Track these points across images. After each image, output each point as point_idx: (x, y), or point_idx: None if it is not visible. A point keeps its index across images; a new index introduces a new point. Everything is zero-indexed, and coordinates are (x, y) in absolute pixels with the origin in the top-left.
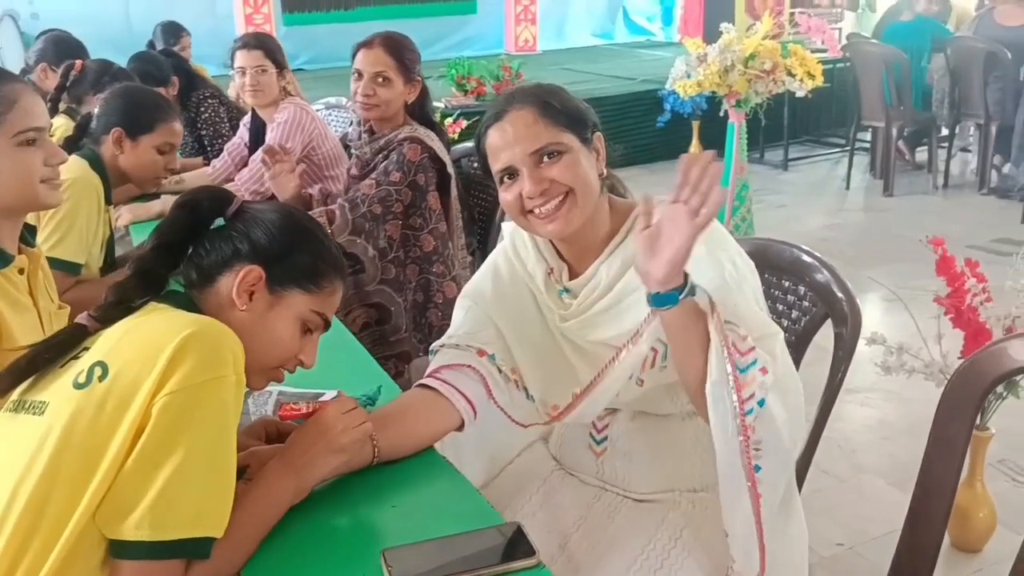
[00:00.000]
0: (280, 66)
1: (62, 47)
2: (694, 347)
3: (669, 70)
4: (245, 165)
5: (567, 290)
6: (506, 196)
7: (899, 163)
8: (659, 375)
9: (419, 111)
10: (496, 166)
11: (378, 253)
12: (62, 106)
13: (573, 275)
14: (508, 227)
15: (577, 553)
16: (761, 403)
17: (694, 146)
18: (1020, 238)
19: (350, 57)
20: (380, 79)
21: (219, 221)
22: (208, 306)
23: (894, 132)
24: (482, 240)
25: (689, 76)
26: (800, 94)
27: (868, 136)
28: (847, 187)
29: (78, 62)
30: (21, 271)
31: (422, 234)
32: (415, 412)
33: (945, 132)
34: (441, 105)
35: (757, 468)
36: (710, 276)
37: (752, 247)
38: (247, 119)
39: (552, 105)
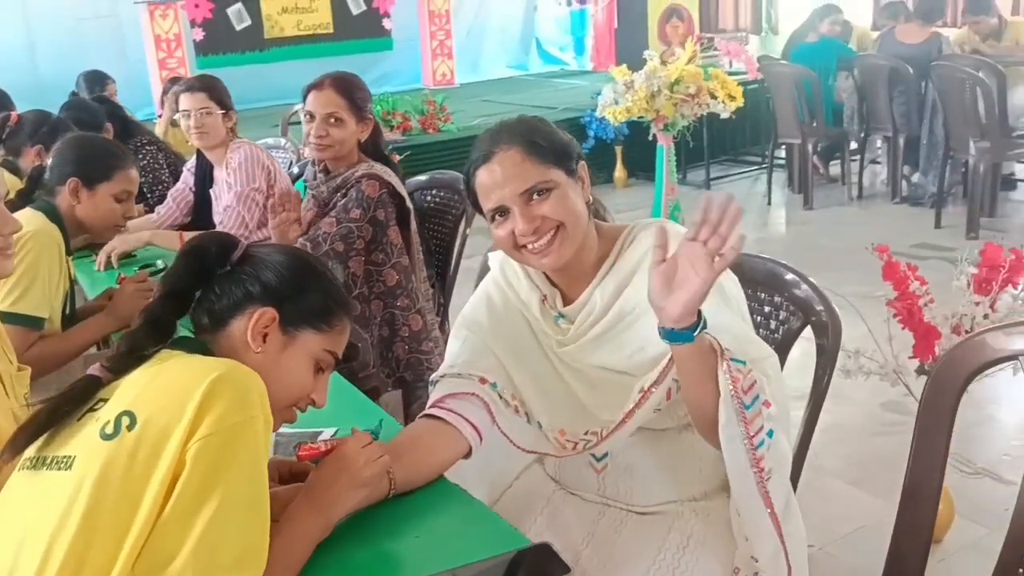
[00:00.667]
0: (225, 107)
1: None
2: (705, 378)
3: (587, 98)
4: (191, 210)
5: (562, 316)
6: (499, 232)
7: (815, 177)
8: (676, 400)
9: (372, 148)
10: (487, 205)
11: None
12: None
13: (567, 301)
14: (496, 257)
15: (590, 569)
16: (770, 434)
17: (619, 170)
18: (936, 242)
19: (301, 97)
20: (332, 119)
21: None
22: (221, 350)
23: (810, 148)
24: (441, 272)
25: (617, 103)
26: (724, 115)
27: (782, 153)
28: (768, 203)
29: (13, 114)
30: None
31: (385, 269)
32: (424, 443)
33: (855, 146)
34: None
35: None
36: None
37: None
38: (191, 164)
39: (538, 143)
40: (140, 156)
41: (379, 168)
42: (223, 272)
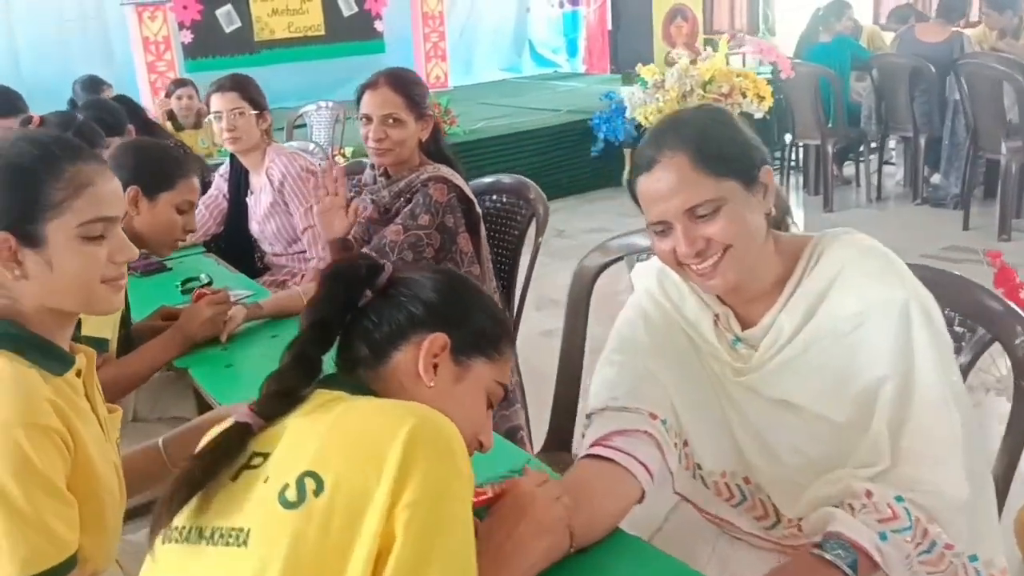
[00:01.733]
0: (259, 107)
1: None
2: None
3: (592, 99)
4: (224, 219)
5: (740, 340)
6: (660, 247)
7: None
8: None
9: (434, 148)
10: (648, 217)
11: None
12: None
13: (743, 323)
14: (647, 270)
15: None
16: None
17: (627, 172)
18: (967, 245)
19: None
20: (391, 120)
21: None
22: (386, 386)
23: (830, 149)
24: (506, 284)
25: (647, 103)
26: (758, 115)
27: (792, 153)
28: None
29: (35, 116)
30: (79, 373)
31: None
32: (596, 488)
33: (865, 147)
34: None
35: None
36: (889, 375)
37: None
38: (224, 169)
39: (709, 150)
40: None
41: (445, 171)
42: (375, 297)
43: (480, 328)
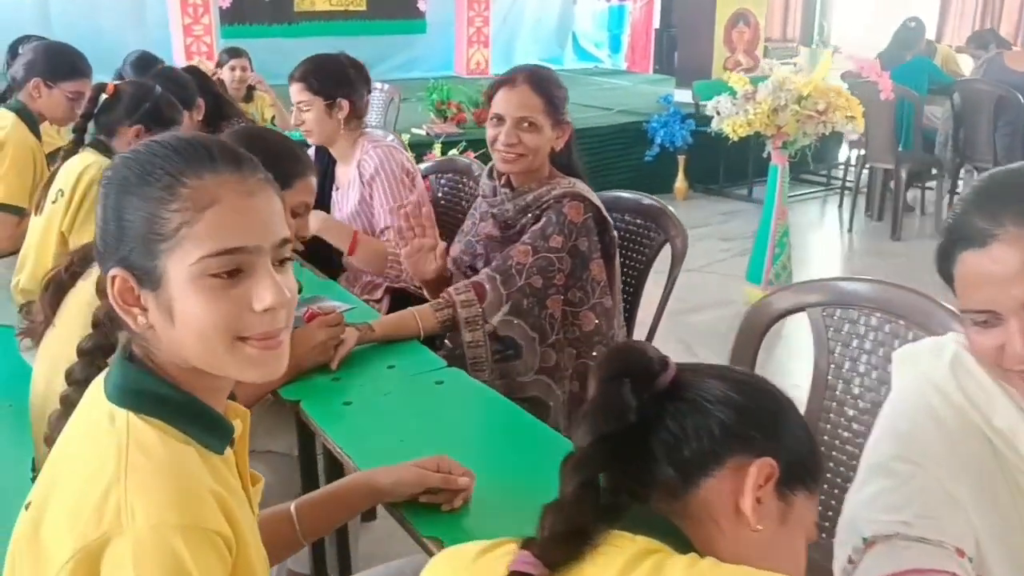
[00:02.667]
0: (330, 96)
1: (58, 60)
2: None
3: (645, 100)
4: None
5: None
6: (981, 340)
7: (891, 205)
8: None
9: (566, 160)
10: (967, 302)
11: (539, 335)
12: (88, 138)
13: None
14: (926, 356)
15: None
16: None
17: (680, 180)
18: None
19: (491, 98)
20: (526, 124)
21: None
22: (691, 524)
23: (903, 175)
24: (627, 315)
25: (736, 114)
26: (853, 137)
27: (841, 173)
28: (849, 229)
29: (110, 84)
30: (232, 442)
31: (582, 310)
32: None
33: (939, 175)
34: (422, 132)
35: None
36: None
37: None
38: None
39: None
40: None
41: (581, 187)
42: (662, 399)
43: (798, 449)
